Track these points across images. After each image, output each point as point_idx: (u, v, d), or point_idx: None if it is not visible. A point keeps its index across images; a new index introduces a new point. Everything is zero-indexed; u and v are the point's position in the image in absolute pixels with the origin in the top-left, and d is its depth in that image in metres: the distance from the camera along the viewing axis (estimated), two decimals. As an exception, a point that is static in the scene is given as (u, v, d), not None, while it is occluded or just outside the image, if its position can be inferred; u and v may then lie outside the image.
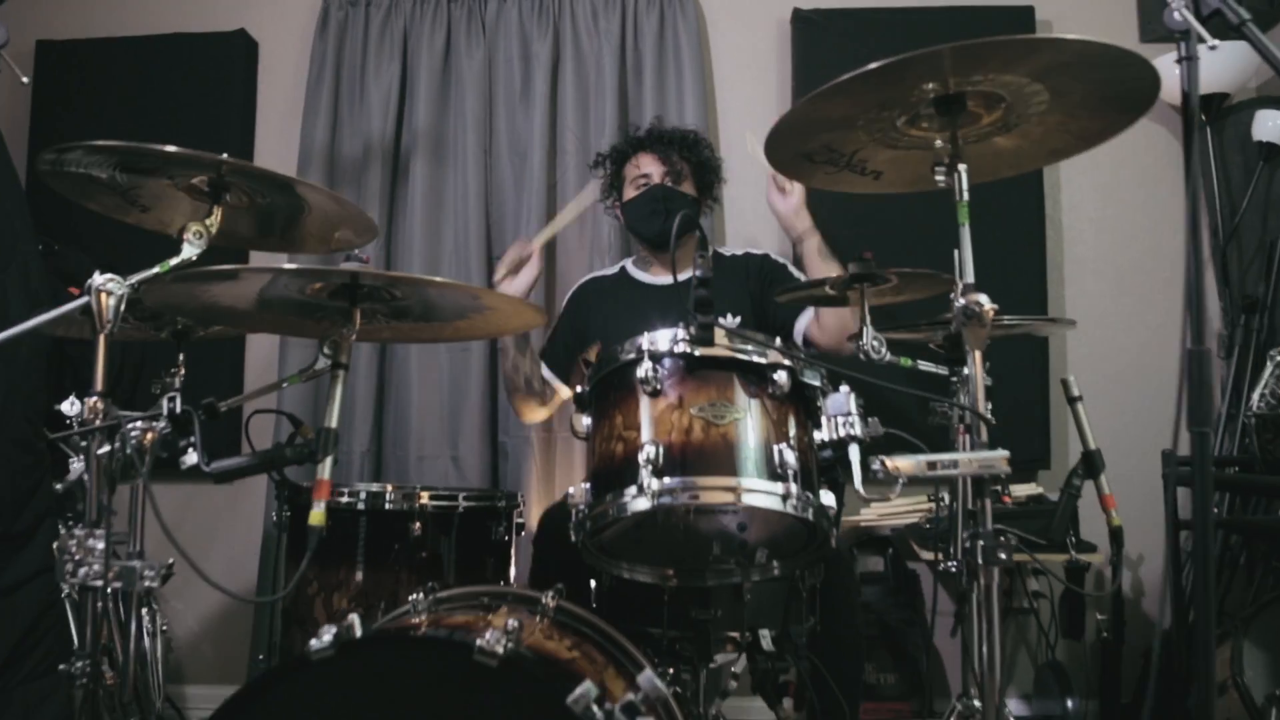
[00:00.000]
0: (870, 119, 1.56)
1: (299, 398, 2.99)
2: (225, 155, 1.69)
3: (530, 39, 3.19)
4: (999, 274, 2.77)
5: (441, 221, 3.16)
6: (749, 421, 1.45)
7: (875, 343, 1.72)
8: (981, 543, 1.49)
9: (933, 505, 2.66)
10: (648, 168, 2.50)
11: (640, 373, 1.47)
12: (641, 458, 1.41)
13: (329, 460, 1.49)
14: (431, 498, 1.97)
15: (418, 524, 1.93)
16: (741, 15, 3.21)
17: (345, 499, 1.95)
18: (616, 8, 3.16)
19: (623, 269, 2.69)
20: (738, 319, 2.38)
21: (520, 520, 2.20)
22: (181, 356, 2.12)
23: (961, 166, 1.50)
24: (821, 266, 2.29)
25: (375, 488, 2.01)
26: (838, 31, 3.10)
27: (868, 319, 1.70)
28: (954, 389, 1.85)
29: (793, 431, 1.49)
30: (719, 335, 1.46)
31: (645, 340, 1.50)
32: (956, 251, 1.89)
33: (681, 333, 1.47)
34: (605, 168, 2.62)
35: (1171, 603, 2.63)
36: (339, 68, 3.21)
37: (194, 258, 1.67)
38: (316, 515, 1.45)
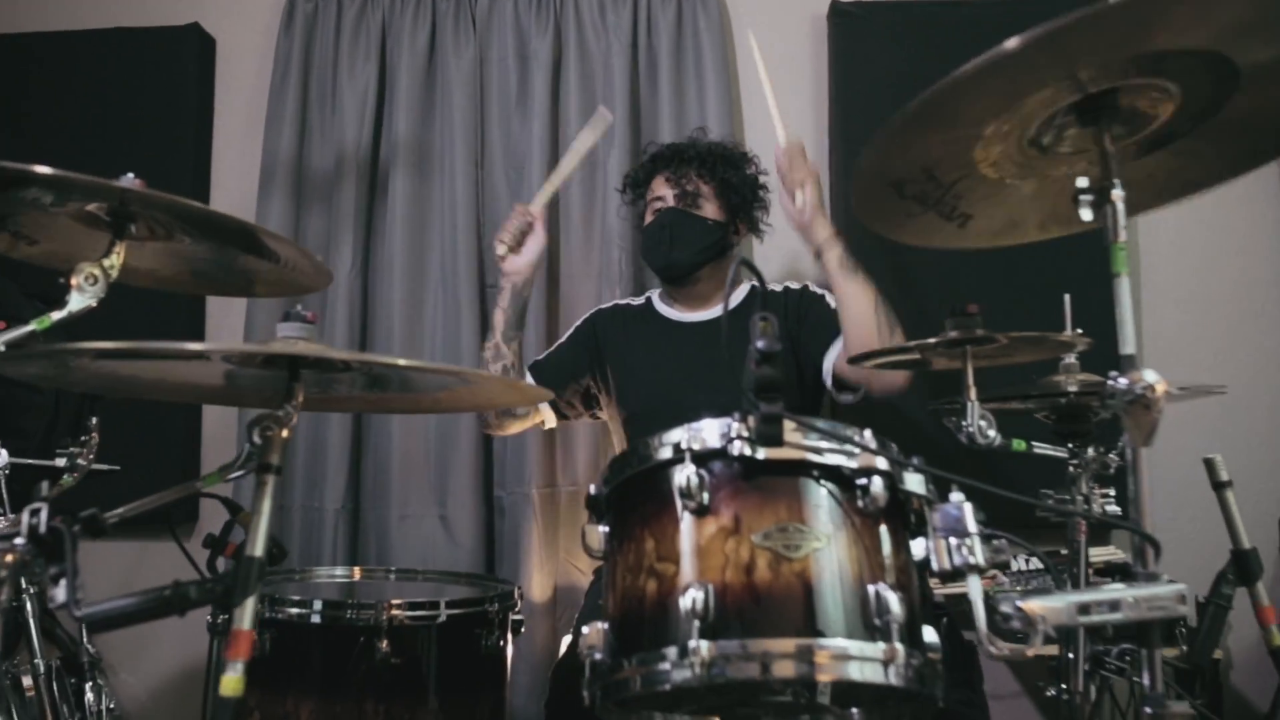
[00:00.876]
0: (999, 129, 1.15)
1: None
2: (131, 177, 1.28)
3: (528, 36, 2.78)
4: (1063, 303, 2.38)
5: (426, 245, 2.75)
6: (833, 552, 1.04)
7: (983, 422, 1.31)
8: (1148, 709, 1.09)
9: (996, 574, 2.27)
10: (660, 190, 2.13)
11: (680, 481, 1.06)
12: (684, 605, 1.00)
13: (250, 604, 1.08)
14: (405, 607, 1.56)
15: (385, 642, 1.52)
16: (771, 10, 2.81)
17: (294, 611, 1.54)
18: (627, 1, 2.75)
19: (649, 301, 2.30)
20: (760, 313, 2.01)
21: (518, 617, 1.79)
22: (95, 421, 1.71)
23: (1117, 193, 1.09)
24: (846, 284, 1.86)
25: (333, 597, 1.60)
26: (882, 28, 2.69)
27: (973, 393, 1.29)
28: (1074, 476, 1.45)
29: (891, 561, 1.08)
30: (789, 429, 1.05)
31: (685, 435, 1.09)
32: (1066, 299, 1.49)
33: (738, 425, 1.06)
34: (627, 195, 2.29)
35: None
36: (307, 68, 2.80)
37: (92, 304, 1.27)
38: (230, 683, 1.04)
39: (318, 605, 1.56)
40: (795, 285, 2.20)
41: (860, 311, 1.81)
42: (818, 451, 1.06)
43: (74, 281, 1.26)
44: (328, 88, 2.80)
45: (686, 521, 1.06)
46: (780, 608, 1.01)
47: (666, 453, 1.10)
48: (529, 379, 2.19)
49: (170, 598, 1.07)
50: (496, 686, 1.68)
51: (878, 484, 1.07)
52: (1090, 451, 1.39)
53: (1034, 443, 1.39)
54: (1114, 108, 1.12)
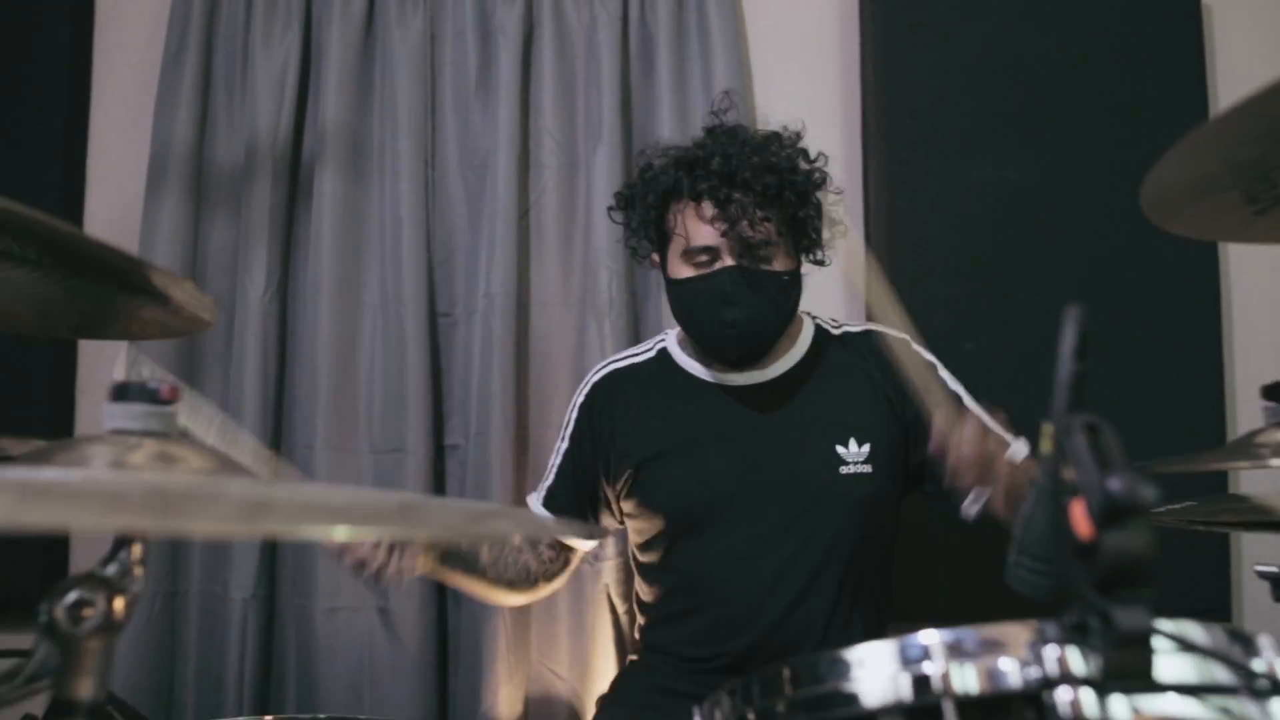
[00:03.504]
0: None
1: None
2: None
3: (492, 6, 2.23)
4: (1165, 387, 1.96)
5: (363, 262, 2.18)
6: None
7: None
8: None
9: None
10: (708, 238, 1.47)
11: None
12: None
13: None
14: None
15: None
16: (794, -21, 2.32)
17: None
18: (617, -37, 2.23)
19: (663, 353, 1.69)
20: (866, 447, 1.47)
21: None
22: None
23: None
24: (1015, 477, 1.29)
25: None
26: (927, 5, 2.23)
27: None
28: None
29: None
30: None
31: (933, 655, 0.57)
32: None
33: (1061, 650, 0.55)
34: (633, 218, 1.61)
35: None
36: (210, 37, 2.20)
37: None
38: None
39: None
40: (855, 328, 1.68)
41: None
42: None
43: None
44: (237, 62, 2.21)
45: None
46: None
47: (887, 688, 0.57)
48: (544, 514, 1.66)
49: None
50: None
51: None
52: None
53: None
54: None
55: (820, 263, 1.59)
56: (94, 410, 2.18)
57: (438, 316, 2.19)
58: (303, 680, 2.07)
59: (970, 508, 1.39)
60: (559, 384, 2.13)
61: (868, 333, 1.63)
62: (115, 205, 2.21)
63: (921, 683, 0.57)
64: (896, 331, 1.50)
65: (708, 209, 1.47)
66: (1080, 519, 0.53)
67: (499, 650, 2.04)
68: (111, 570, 0.65)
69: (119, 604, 0.62)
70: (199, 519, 0.57)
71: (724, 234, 1.45)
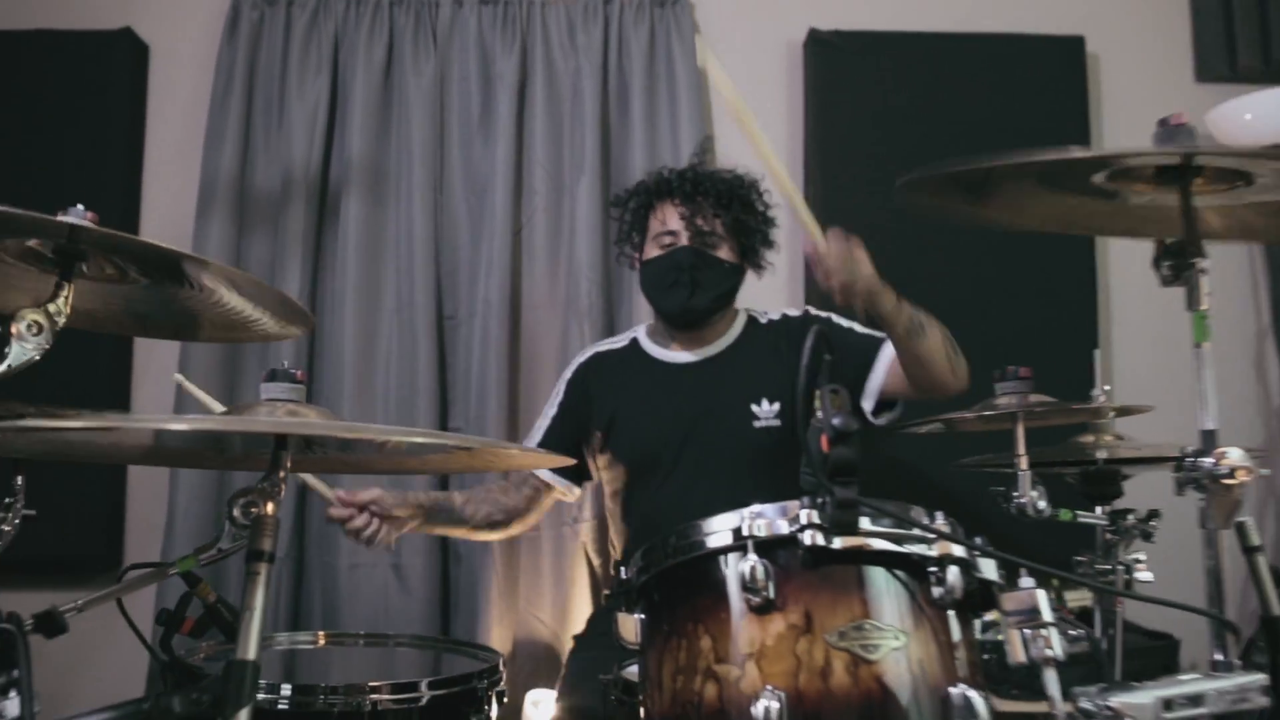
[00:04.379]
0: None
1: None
2: (82, 210, 1.11)
3: (492, 54, 2.64)
4: (1045, 347, 2.33)
5: (381, 273, 2.57)
6: (911, 652, 0.94)
7: (1035, 493, 1.24)
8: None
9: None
10: (672, 223, 1.94)
11: (742, 571, 0.95)
12: (756, 715, 0.89)
13: (244, 716, 0.92)
14: (388, 690, 1.40)
15: (366, 730, 1.36)
16: (747, 34, 2.72)
17: (260, 696, 1.37)
18: (598, 20, 2.64)
19: (634, 342, 2.10)
20: (775, 405, 1.87)
21: (502, 687, 1.64)
22: (21, 480, 1.51)
23: (1203, 263, 1.02)
24: (920, 345, 1.68)
25: (299, 672, 1.43)
26: (858, 56, 2.64)
27: (1025, 462, 1.21)
28: (1112, 543, 1.38)
29: (967, 656, 0.98)
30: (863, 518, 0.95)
31: (745, 521, 0.97)
32: (1096, 355, 1.43)
33: (808, 511, 0.95)
34: (625, 211, 2.04)
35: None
36: (252, 80, 2.61)
37: (35, 357, 1.10)
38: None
39: (286, 690, 1.39)
40: (794, 312, 2.09)
41: (937, 360, 1.67)
42: (894, 539, 0.96)
43: (14, 330, 1.08)
44: (274, 102, 2.61)
45: (746, 618, 0.95)
46: (858, 716, 0.91)
47: (722, 539, 0.98)
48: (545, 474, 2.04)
49: (150, 712, 0.90)
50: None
51: (954, 574, 0.97)
52: (1130, 519, 1.33)
53: (1079, 512, 1.33)
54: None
55: (759, 268, 2.00)
56: (149, 389, 2.58)
57: (444, 319, 2.58)
58: (328, 626, 2.46)
59: (877, 418, 1.83)
60: (546, 375, 2.52)
61: (785, 317, 2.04)
62: (168, 225, 2.59)
63: (736, 532, 0.97)
64: (814, 311, 1.99)
65: (676, 204, 1.93)
66: (824, 441, 0.93)
67: (492, 599, 2.43)
68: (265, 485, 1.04)
69: (269, 506, 1.02)
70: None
71: (683, 219, 1.91)
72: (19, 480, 1.48)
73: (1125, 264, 2.70)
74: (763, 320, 2.06)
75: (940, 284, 2.50)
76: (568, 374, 2.10)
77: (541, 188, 2.59)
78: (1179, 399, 2.61)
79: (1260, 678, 1.03)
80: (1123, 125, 2.75)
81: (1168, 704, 1.00)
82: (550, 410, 2.08)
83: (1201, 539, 1.24)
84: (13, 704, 0.88)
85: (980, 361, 1.71)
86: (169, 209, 2.62)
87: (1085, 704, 0.98)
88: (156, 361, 2.59)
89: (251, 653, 0.94)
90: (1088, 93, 2.68)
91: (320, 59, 2.61)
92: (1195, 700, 1.01)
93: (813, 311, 2.06)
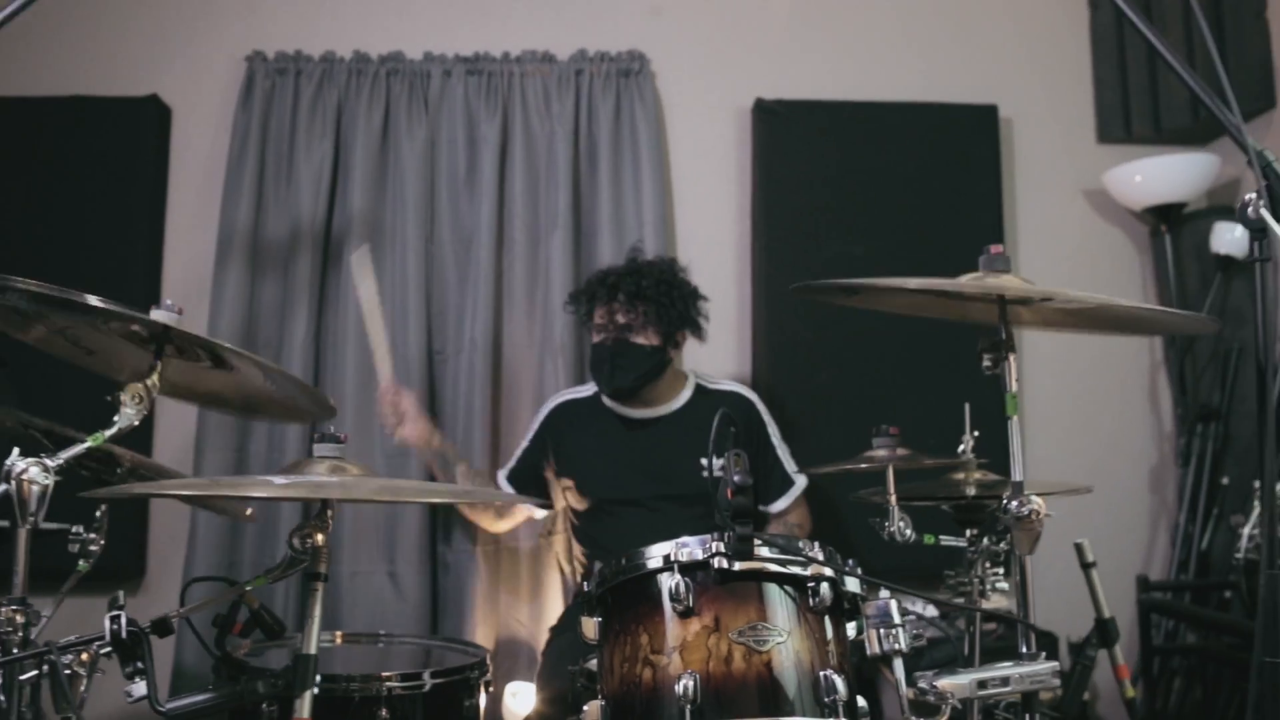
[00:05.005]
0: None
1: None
2: (170, 304, 1.46)
3: (477, 120, 2.98)
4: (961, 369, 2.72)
5: (378, 313, 2.91)
6: (792, 645, 1.30)
7: (902, 523, 1.61)
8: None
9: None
10: (601, 319, 2.37)
11: (669, 586, 1.31)
12: (678, 691, 1.25)
13: (309, 695, 1.27)
14: (398, 678, 1.75)
15: (384, 710, 1.70)
16: (702, 102, 3.08)
17: (298, 684, 1.71)
18: (570, 89, 2.99)
19: (597, 395, 2.49)
20: (723, 425, 2.25)
21: (490, 678, 1.99)
22: (102, 512, 1.84)
23: (1012, 358, 1.39)
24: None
25: (326, 667, 1.76)
26: (800, 124, 3.00)
27: (894, 499, 1.58)
28: (972, 560, 1.75)
29: (835, 649, 1.34)
30: (757, 545, 1.31)
31: (673, 549, 1.33)
32: (966, 408, 1.80)
33: (717, 544, 1.31)
34: (579, 308, 2.48)
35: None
36: (264, 142, 2.94)
37: (135, 422, 1.44)
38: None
39: (317, 679, 1.72)
40: (746, 392, 2.49)
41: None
42: (780, 563, 1.32)
43: (124, 399, 1.43)
44: (284, 162, 2.94)
45: (674, 620, 1.31)
46: (752, 692, 1.27)
47: (656, 562, 1.34)
48: (507, 487, 2.44)
49: (241, 691, 1.25)
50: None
51: (825, 588, 1.33)
52: (985, 542, 1.70)
53: (941, 536, 1.69)
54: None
55: (700, 337, 2.38)
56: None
57: (434, 354, 2.92)
58: (331, 627, 2.79)
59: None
60: (524, 404, 2.87)
61: (731, 391, 2.45)
62: (189, 273, 2.93)
63: (667, 557, 1.33)
64: (747, 392, 2.39)
65: (603, 302, 2.34)
66: (729, 492, 1.29)
67: (476, 604, 2.77)
68: (316, 520, 1.38)
69: (319, 537, 1.36)
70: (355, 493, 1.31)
71: (608, 315, 2.32)
72: (100, 512, 1.82)
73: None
74: (710, 387, 2.45)
75: (872, 335, 2.87)
76: (541, 415, 2.46)
77: (520, 238, 2.93)
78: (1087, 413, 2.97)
79: (1054, 665, 1.39)
80: (1034, 182, 3.14)
81: (982, 684, 1.36)
82: (524, 443, 2.46)
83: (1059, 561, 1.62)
84: (140, 686, 1.22)
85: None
86: (189, 256, 2.95)
87: (922, 684, 1.34)
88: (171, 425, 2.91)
89: (312, 648, 1.29)
90: (1000, 154, 3.06)
91: (325, 123, 2.94)
92: (1004, 682, 1.37)
93: (759, 407, 2.47)
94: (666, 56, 3.06)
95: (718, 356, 2.83)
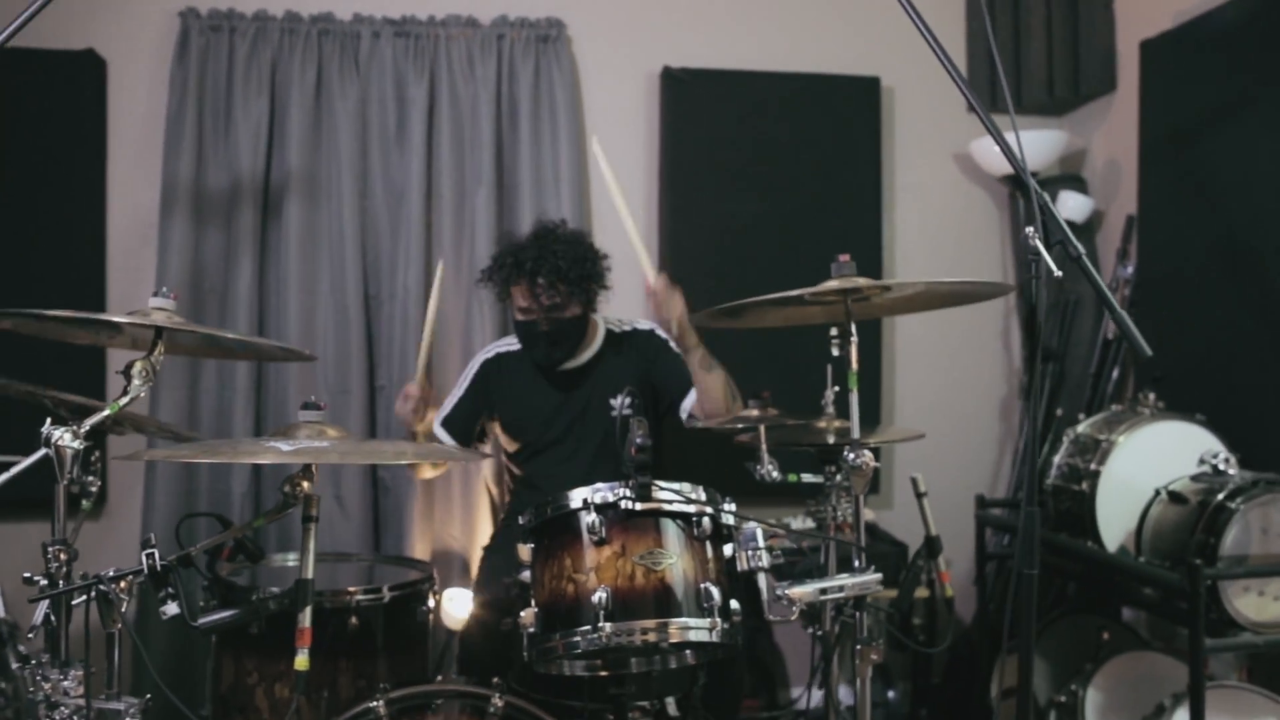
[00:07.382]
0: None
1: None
2: (166, 291, 1.74)
3: (405, 81, 3.21)
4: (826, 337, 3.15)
5: (317, 262, 3.17)
6: (680, 565, 1.71)
7: (770, 467, 2.02)
8: (858, 647, 1.84)
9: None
10: (522, 301, 2.52)
11: (587, 522, 1.69)
12: (595, 600, 1.65)
13: (309, 610, 1.63)
14: (363, 592, 2.11)
15: (353, 618, 2.08)
16: (614, 67, 3.36)
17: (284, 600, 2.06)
18: (492, 53, 3.23)
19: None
20: (628, 399, 2.59)
21: (438, 587, 2.36)
22: (96, 456, 2.14)
23: (853, 340, 1.79)
24: (707, 377, 2.46)
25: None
26: (704, 91, 3.31)
27: (765, 450, 2.00)
28: (828, 490, 2.19)
29: (713, 567, 1.75)
30: (655, 490, 1.71)
31: (590, 493, 1.72)
32: (829, 368, 2.21)
33: (624, 490, 1.70)
34: (491, 285, 2.62)
35: (977, 617, 3.16)
36: (201, 98, 3.11)
37: (141, 395, 1.73)
38: (301, 661, 1.60)
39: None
40: (644, 326, 2.78)
41: (718, 396, 2.44)
42: (671, 503, 1.72)
43: (133, 374, 1.72)
44: (222, 117, 3.13)
45: (591, 548, 1.70)
46: (650, 600, 1.68)
47: (577, 504, 1.72)
48: (443, 433, 2.69)
49: (258, 607, 1.62)
50: (423, 643, 2.27)
51: (706, 521, 1.74)
52: (838, 477, 2.13)
53: (803, 475, 2.12)
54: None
55: (605, 288, 2.68)
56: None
57: (370, 298, 3.21)
58: (282, 547, 3.12)
59: (689, 421, 2.59)
60: (453, 346, 3.20)
61: (635, 330, 2.75)
62: (134, 221, 3.12)
63: (585, 500, 1.71)
64: (646, 325, 2.70)
65: (523, 285, 2.51)
66: (633, 450, 1.67)
67: (414, 521, 3.14)
68: (303, 471, 1.71)
69: (305, 485, 1.69)
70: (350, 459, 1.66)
71: (531, 297, 2.51)
72: (95, 457, 2.11)
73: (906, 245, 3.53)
74: (618, 330, 2.74)
75: (762, 265, 3.23)
76: (475, 365, 2.76)
77: (448, 194, 3.21)
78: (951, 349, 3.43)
79: (878, 576, 1.82)
80: (911, 147, 3.53)
81: (823, 590, 1.80)
82: (459, 393, 2.74)
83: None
84: (174, 606, 1.56)
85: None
86: (132, 207, 3.14)
87: (778, 592, 1.76)
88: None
89: (309, 573, 1.64)
90: (880, 122, 3.43)
91: (260, 81, 3.13)
92: (840, 589, 1.81)
93: (658, 333, 2.72)
94: (583, 23, 3.32)
95: (628, 304, 3.18)
